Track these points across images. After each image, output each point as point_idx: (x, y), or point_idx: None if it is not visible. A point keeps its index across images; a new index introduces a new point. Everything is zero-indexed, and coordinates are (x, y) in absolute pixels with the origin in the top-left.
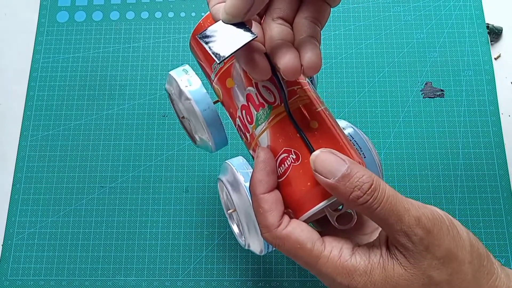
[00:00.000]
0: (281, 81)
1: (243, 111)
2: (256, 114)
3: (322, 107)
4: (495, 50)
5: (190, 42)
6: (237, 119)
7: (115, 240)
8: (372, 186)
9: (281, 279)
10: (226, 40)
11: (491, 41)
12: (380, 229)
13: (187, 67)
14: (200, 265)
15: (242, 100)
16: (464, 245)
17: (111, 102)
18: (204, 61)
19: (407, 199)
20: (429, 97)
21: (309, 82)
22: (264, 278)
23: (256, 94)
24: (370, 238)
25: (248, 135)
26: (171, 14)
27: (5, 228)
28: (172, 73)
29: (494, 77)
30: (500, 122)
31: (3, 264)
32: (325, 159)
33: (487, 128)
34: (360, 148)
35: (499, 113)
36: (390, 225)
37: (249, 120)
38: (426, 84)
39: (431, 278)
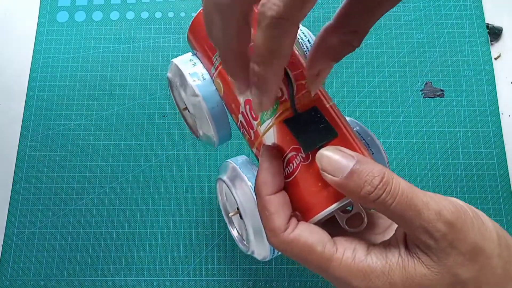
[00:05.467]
0: (290, 75)
1: (247, 106)
2: None
3: (331, 103)
4: (495, 50)
5: (187, 33)
6: (240, 115)
7: (115, 240)
8: (384, 180)
9: (281, 279)
10: (312, 132)
11: (491, 41)
12: (393, 227)
13: (194, 57)
14: (200, 265)
15: (246, 94)
16: (492, 236)
17: (111, 102)
18: (204, 54)
19: (425, 192)
20: (429, 97)
21: None
22: (264, 278)
23: None
24: (383, 237)
25: (252, 132)
26: (171, 14)
27: (5, 228)
28: (177, 62)
29: (494, 77)
30: (500, 122)
31: (3, 264)
32: (331, 156)
33: (487, 128)
34: (368, 145)
35: (499, 113)
36: (408, 222)
37: (254, 116)
38: (426, 84)
39: (457, 276)
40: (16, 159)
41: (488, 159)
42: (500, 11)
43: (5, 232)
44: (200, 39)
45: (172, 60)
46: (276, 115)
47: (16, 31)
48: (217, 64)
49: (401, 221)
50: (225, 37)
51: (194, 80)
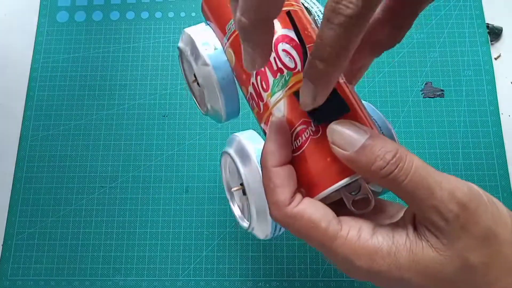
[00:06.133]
0: (306, 47)
1: (258, 77)
2: (273, 81)
3: (345, 79)
4: (495, 50)
5: (202, 3)
6: (250, 86)
7: (115, 240)
8: (397, 155)
9: (281, 279)
10: (324, 106)
11: (491, 41)
12: (400, 214)
13: (207, 27)
14: (200, 265)
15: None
16: (506, 223)
17: (111, 102)
18: (217, 24)
19: (439, 172)
20: (429, 97)
21: None
22: (264, 278)
23: (274, 58)
24: (390, 222)
25: (261, 104)
26: (171, 14)
27: (5, 228)
28: (189, 31)
29: (494, 77)
30: (500, 122)
31: (3, 264)
32: (343, 130)
33: (487, 128)
34: (380, 127)
35: (499, 113)
36: (419, 201)
37: (264, 88)
38: (426, 84)
39: (467, 260)
40: (16, 159)
41: (488, 159)
42: (500, 11)
43: (5, 232)
44: (214, 8)
45: (185, 29)
46: (288, 87)
47: (16, 31)
48: (230, 34)
49: (412, 200)
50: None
51: (206, 49)
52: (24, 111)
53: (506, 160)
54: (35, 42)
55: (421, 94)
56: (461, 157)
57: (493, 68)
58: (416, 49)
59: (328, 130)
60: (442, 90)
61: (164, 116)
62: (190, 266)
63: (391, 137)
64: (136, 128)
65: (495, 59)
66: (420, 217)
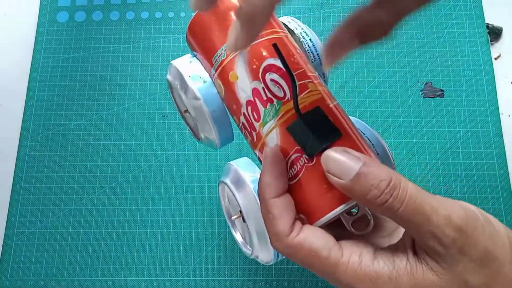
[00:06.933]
0: (293, 75)
1: (249, 108)
2: (264, 111)
3: (334, 103)
4: (495, 50)
5: (186, 34)
6: (242, 116)
7: (115, 240)
8: (391, 184)
9: (280, 279)
10: (315, 134)
11: (491, 41)
12: (400, 229)
13: (193, 59)
14: (200, 265)
15: (247, 96)
16: (503, 243)
17: (111, 102)
18: (204, 55)
19: (434, 195)
20: (429, 97)
21: (320, 76)
22: (264, 278)
23: (263, 88)
24: (390, 240)
25: (254, 134)
26: (171, 14)
27: (5, 228)
28: (176, 64)
29: (494, 77)
30: (500, 122)
31: (3, 264)
32: (337, 158)
33: (487, 128)
34: (373, 144)
35: (499, 113)
36: (416, 227)
37: (256, 118)
38: (426, 84)
39: (467, 283)
40: (16, 159)
41: (488, 159)
42: (500, 11)
43: (5, 232)
44: (200, 39)
45: (172, 62)
46: (279, 116)
47: (16, 31)
48: (217, 65)
49: (409, 226)
50: None
51: (195, 83)
52: (24, 111)
53: (506, 160)
54: (35, 42)
55: (421, 94)
56: (461, 157)
57: (493, 68)
58: (416, 49)
59: (322, 158)
60: (442, 90)
61: (164, 116)
62: (190, 266)
63: (385, 154)
64: (136, 128)
65: (495, 59)
66: (418, 242)
